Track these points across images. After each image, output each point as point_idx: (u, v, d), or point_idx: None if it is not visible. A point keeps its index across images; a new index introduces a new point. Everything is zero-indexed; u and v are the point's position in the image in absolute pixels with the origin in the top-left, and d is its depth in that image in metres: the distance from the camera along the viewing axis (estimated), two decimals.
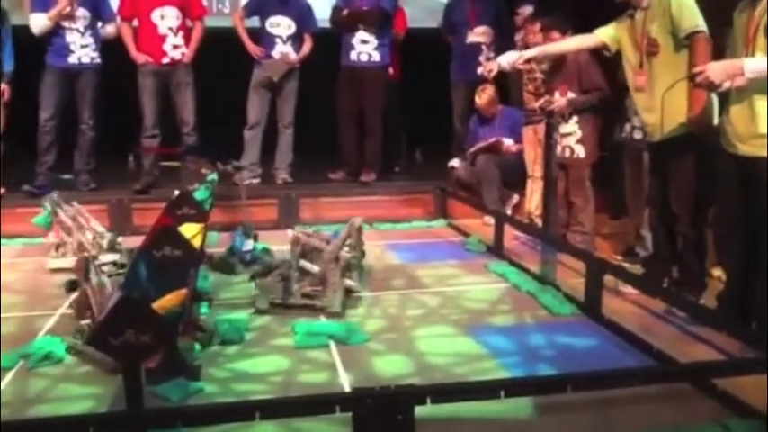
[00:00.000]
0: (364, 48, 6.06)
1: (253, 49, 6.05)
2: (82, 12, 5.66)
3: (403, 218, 5.74)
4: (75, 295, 3.22)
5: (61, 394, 2.71)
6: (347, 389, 2.69)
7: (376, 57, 6.07)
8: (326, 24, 6.30)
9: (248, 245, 4.41)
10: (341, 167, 6.30)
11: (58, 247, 4.43)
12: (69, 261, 4.04)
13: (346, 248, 3.75)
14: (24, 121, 5.70)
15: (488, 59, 5.99)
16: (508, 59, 5.44)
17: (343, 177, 6.27)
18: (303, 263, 3.56)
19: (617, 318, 3.36)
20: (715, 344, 3.05)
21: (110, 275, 3.37)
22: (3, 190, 5.67)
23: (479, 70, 5.61)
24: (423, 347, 3.13)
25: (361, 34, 6.04)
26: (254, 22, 6.15)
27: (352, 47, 6.07)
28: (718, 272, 3.81)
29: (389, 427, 2.02)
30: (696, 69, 3.04)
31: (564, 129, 4.69)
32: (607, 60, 4.26)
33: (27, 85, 5.69)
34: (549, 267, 4.05)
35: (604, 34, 3.87)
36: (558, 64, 4.80)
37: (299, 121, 6.20)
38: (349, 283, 3.65)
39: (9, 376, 2.83)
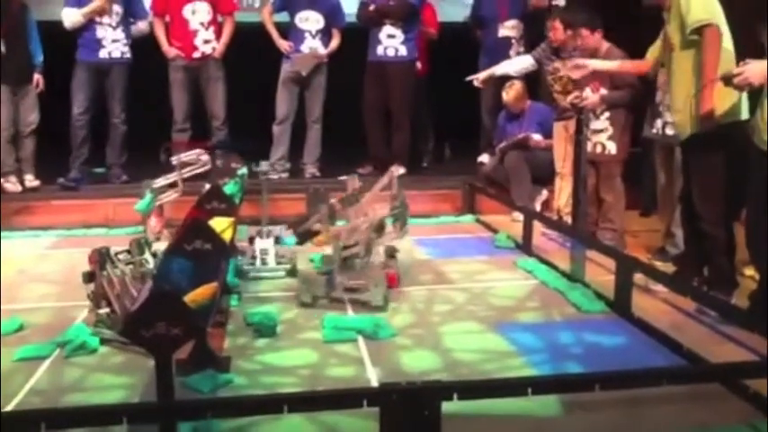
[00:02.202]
0: (391, 42, 6.06)
1: (281, 43, 6.08)
2: (115, 8, 5.75)
3: (431, 213, 5.74)
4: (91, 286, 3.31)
5: (95, 384, 2.77)
6: (374, 384, 2.70)
7: (403, 51, 6.07)
8: (354, 19, 6.31)
9: (266, 244, 4.19)
10: (369, 162, 6.32)
11: (156, 232, 4.49)
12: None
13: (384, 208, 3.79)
14: (58, 115, 5.80)
15: (518, 54, 6.02)
16: (515, 67, 5.48)
17: (370, 172, 6.28)
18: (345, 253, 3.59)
19: (647, 316, 3.33)
20: (746, 344, 3.01)
21: (126, 264, 3.43)
22: (38, 183, 5.79)
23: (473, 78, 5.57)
24: (450, 343, 3.14)
25: (387, 29, 6.04)
26: (284, 17, 6.19)
27: (378, 41, 6.07)
28: (750, 271, 3.76)
29: (416, 423, 2.03)
30: (736, 70, 2.99)
31: (595, 125, 4.65)
32: (639, 57, 4.21)
33: (60, 79, 5.79)
34: (579, 265, 4.02)
35: (653, 53, 3.83)
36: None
37: (327, 115, 6.22)
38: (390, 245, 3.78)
39: (45, 365, 2.90)
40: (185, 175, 4.62)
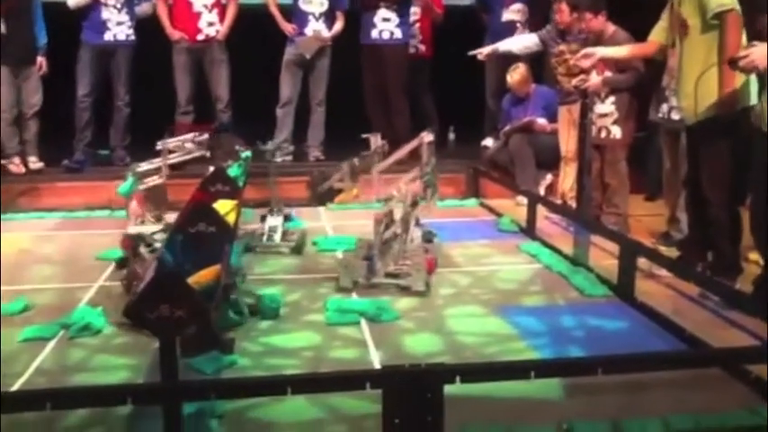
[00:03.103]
0: (386, 25, 6.03)
1: (285, 26, 6.05)
2: None
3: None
4: (124, 271, 3.33)
5: (99, 364, 2.79)
6: (377, 366, 2.72)
7: (398, 34, 6.06)
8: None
9: (275, 221, 4.36)
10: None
11: (138, 216, 4.53)
12: (148, 229, 4.12)
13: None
14: (62, 97, 5.80)
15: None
16: (519, 45, 5.47)
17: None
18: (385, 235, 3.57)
19: (650, 300, 3.34)
20: (749, 329, 3.01)
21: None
22: (42, 165, 5.80)
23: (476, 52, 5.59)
24: (453, 326, 3.15)
25: (382, 12, 6.01)
26: None
27: (373, 25, 6.04)
28: (755, 256, 3.75)
29: (419, 405, 2.04)
30: (742, 53, 2.97)
31: (600, 109, 4.63)
32: (643, 39, 4.19)
33: (64, 62, 5.78)
34: (582, 249, 4.02)
35: (657, 35, 3.79)
36: (594, 43, 4.73)
37: (330, 98, 6.20)
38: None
39: (51, 345, 2.92)
40: (170, 161, 4.64)
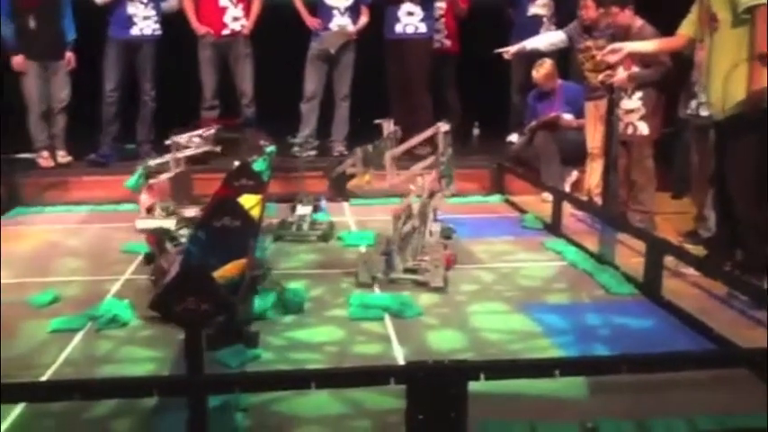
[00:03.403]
0: (410, 20, 6.01)
1: (310, 21, 6.06)
2: None
3: (459, 192, 5.67)
4: (151, 266, 3.38)
5: (126, 356, 2.83)
6: (401, 361, 2.72)
7: (422, 28, 6.04)
8: None
9: (305, 210, 4.51)
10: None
11: (148, 209, 4.60)
12: (157, 222, 4.19)
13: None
14: (89, 92, 5.86)
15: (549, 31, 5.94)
16: (546, 42, 5.43)
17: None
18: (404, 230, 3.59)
19: (677, 299, 3.30)
20: None
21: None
22: (70, 158, 5.88)
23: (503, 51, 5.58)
24: (476, 323, 3.14)
25: (407, 6, 5.99)
26: None
27: (397, 19, 6.02)
28: None
29: (442, 401, 2.03)
30: None
31: (627, 105, 4.58)
32: (670, 35, 4.13)
33: (91, 57, 5.84)
34: (608, 246, 3.97)
35: (686, 28, 3.74)
36: (622, 38, 4.67)
37: (354, 92, 6.20)
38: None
39: (79, 337, 2.96)
40: (178, 156, 4.70)
